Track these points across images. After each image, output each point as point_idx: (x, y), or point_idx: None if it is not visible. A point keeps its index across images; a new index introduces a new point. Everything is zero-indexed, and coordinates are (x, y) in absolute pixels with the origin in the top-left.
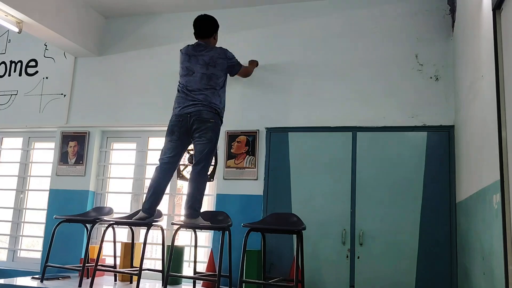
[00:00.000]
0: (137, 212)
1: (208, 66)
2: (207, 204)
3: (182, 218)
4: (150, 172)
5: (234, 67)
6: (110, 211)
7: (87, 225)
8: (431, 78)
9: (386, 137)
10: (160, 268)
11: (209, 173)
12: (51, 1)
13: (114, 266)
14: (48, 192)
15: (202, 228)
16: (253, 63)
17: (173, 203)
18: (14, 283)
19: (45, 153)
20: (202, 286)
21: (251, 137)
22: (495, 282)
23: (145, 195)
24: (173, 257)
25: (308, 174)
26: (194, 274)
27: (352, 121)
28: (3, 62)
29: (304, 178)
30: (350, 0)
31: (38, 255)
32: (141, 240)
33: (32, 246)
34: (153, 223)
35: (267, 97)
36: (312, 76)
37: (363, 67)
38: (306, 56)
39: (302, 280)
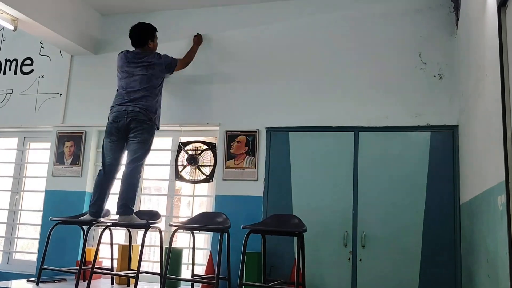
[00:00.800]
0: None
1: (147, 68)
2: (206, 205)
3: (180, 219)
4: (148, 173)
5: (171, 63)
6: (107, 213)
7: (83, 227)
8: (434, 76)
9: (388, 137)
10: (158, 271)
11: (208, 174)
12: None
13: (111, 269)
14: (43, 193)
15: (202, 229)
16: (196, 41)
17: (171, 204)
18: (9, 286)
19: (40, 153)
20: None
21: (251, 137)
22: (500, 285)
23: (142, 197)
24: (171, 259)
25: (309, 175)
26: (192, 276)
27: (354, 120)
28: None
29: (305, 179)
30: None
31: (33, 258)
32: (139, 242)
33: (27, 248)
34: (151, 225)
35: (267, 96)
36: (314, 75)
37: (365, 65)
38: (307, 54)
39: (303, 283)
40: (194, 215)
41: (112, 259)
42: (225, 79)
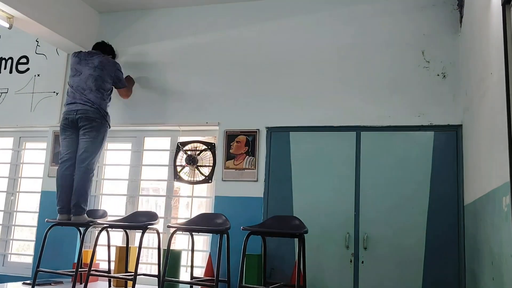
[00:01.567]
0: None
1: (96, 68)
2: (205, 206)
3: (179, 220)
4: (146, 173)
5: (119, 79)
6: (104, 214)
7: (80, 228)
8: (438, 75)
9: (391, 137)
10: (156, 273)
11: (207, 174)
12: None
13: (108, 271)
14: (39, 194)
15: (201, 231)
16: (130, 81)
17: (170, 205)
18: None
19: (36, 154)
20: None
21: (251, 137)
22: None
23: (140, 198)
24: (169, 261)
25: (310, 176)
26: (191, 279)
27: (356, 120)
28: None
29: (306, 180)
30: None
31: (29, 260)
32: (136, 244)
33: (23, 250)
34: (148, 226)
35: (268, 95)
36: (315, 74)
37: (367, 64)
38: (309, 52)
39: (304, 285)
40: (193, 216)
41: (109, 261)
42: (224, 78)
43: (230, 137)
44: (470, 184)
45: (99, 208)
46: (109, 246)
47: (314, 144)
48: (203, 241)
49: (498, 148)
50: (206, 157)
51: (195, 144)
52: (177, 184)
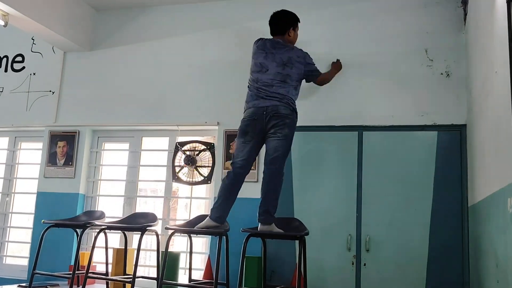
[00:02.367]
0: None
1: (285, 66)
2: (205, 207)
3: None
4: (143, 174)
5: (312, 74)
6: (101, 215)
7: (77, 230)
8: (441, 74)
9: (394, 137)
10: (154, 276)
11: (206, 175)
12: None
13: (106, 274)
14: (35, 195)
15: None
16: (336, 67)
17: (168, 206)
18: None
19: (32, 154)
20: None
21: None
22: None
23: (138, 199)
24: (168, 264)
25: (311, 176)
26: (190, 281)
27: (358, 119)
28: None
29: (307, 180)
30: None
31: (25, 262)
32: (134, 246)
33: (18, 253)
34: (147, 228)
35: None
36: None
37: (370, 62)
38: (310, 50)
39: None
40: (191, 217)
41: (107, 263)
42: (224, 76)
43: (230, 137)
44: (475, 185)
45: (96, 209)
46: (106, 248)
47: (315, 144)
48: (201, 243)
49: (503, 148)
50: (205, 158)
51: (194, 144)
52: (175, 185)
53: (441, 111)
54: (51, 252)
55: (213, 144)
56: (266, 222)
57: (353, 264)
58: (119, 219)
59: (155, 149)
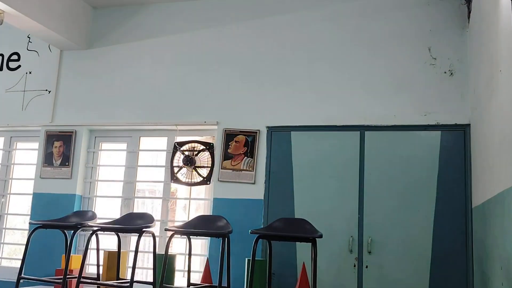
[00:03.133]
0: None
1: None
2: (204, 208)
3: (176, 223)
4: (141, 175)
5: None
6: (93, 216)
7: (66, 231)
8: (445, 73)
9: (396, 137)
10: (150, 279)
11: (205, 175)
12: None
13: (97, 278)
14: (31, 196)
15: (201, 234)
16: None
17: (167, 207)
18: None
19: (28, 154)
20: None
21: (250, 137)
22: None
23: (136, 200)
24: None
25: (313, 177)
26: (188, 285)
27: (360, 119)
28: None
29: (308, 181)
30: None
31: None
32: (128, 248)
33: (14, 255)
34: (144, 229)
35: (268, 93)
36: (318, 71)
37: (372, 61)
38: (311, 49)
39: None
40: (190, 219)
41: (98, 266)
42: (224, 75)
43: (229, 136)
44: (479, 185)
45: (87, 210)
46: (98, 250)
47: (317, 144)
48: (200, 245)
49: (507, 148)
50: (204, 158)
51: (193, 144)
52: (174, 185)
53: (444, 111)
54: (43, 255)
55: (212, 144)
56: None
57: (354, 266)
58: (111, 220)
59: (153, 149)
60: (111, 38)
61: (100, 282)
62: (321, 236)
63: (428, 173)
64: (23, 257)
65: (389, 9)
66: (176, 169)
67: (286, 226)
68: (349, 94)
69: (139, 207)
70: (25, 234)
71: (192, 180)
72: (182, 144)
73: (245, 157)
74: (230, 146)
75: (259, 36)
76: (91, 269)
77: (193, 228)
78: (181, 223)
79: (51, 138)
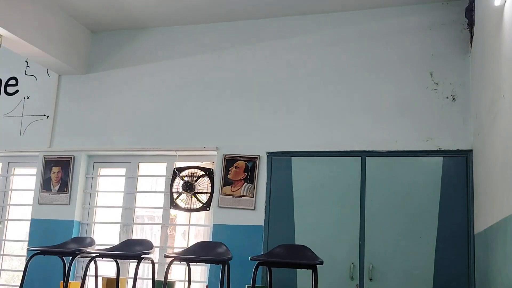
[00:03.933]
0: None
1: None
2: (203, 234)
3: (176, 250)
4: (140, 200)
5: None
6: (91, 242)
7: (65, 258)
8: (447, 98)
9: (398, 162)
10: None
11: (205, 201)
12: (33, 14)
13: None
14: (29, 222)
15: (201, 261)
16: None
17: (166, 234)
18: None
19: (26, 180)
20: None
21: (250, 163)
22: None
23: (134, 226)
24: None
25: (313, 203)
26: None
27: (361, 145)
28: None
29: (308, 207)
30: (359, 14)
31: None
32: (126, 275)
33: (12, 281)
34: (143, 256)
35: (269, 119)
36: (318, 96)
37: (374, 86)
38: (311, 74)
39: None
40: (190, 245)
41: None
42: (223, 100)
43: (229, 162)
44: (481, 212)
45: (86, 236)
46: (96, 277)
47: (317, 170)
48: (200, 271)
49: (510, 174)
50: (203, 184)
51: (192, 170)
52: (173, 211)
53: (446, 136)
54: (41, 282)
55: (212, 169)
56: None
57: None
58: (110, 246)
59: (153, 175)
60: (110, 62)
61: None
62: (321, 263)
63: (430, 199)
64: (21, 284)
65: (391, 34)
66: (175, 195)
67: (286, 253)
68: (350, 119)
69: (138, 233)
70: (23, 260)
71: (192, 206)
72: (181, 169)
73: (245, 183)
74: (230, 172)
75: (259, 61)
76: None
77: (192, 255)
78: (180, 250)
79: (49, 163)
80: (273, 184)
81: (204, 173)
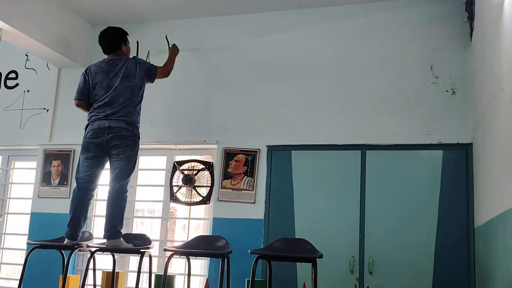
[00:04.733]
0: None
1: (129, 78)
2: (203, 228)
3: (176, 243)
4: (139, 194)
5: (150, 70)
6: (90, 236)
7: (63, 252)
8: (447, 91)
9: (398, 156)
10: None
11: (204, 195)
12: (33, 7)
13: None
14: (29, 216)
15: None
16: (173, 51)
17: (166, 227)
18: None
19: (26, 173)
20: None
21: (250, 157)
22: None
23: (135, 220)
24: None
25: (313, 197)
26: None
27: (361, 138)
28: None
29: (308, 201)
30: (359, 8)
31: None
32: (123, 268)
33: (12, 275)
34: (142, 250)
35: (269, 113)
36: (318, 90)
37: (373, 79)
38: (312, 67)
39: None
40: (190, 239)
41: (95, 286)
42: (223, 94)
43: (229, 155)
44: (481, 205)
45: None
46: (94, 271)
47: (317, 163)
48: (200, 265)
49: (510, 167)
50: (203, 177)
51: (192, 164)
52: (173, 205)
53: (446, 130)
54: (41, 275)
55: (212, 163)
56: (113, 237)
57: (356, 286)
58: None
59: (153, 169)
60: None
61: None
62: (321, 256)
63: (429, 193)
64: (20, 278)
65: (390, 27)
66: (175, 189)
67: (286, 246)
68: (350, 112)
69: (138, 227)
70: (23, 254)
71: (192, 200)
72: (181, 163)
73: (245, 177)
74: (230, 165)
75: (259, 55)
76: None
77: (192, 248)
78: (180, 243)
79: (49, 157)
80: (273, 178)
81: (204, 166)
